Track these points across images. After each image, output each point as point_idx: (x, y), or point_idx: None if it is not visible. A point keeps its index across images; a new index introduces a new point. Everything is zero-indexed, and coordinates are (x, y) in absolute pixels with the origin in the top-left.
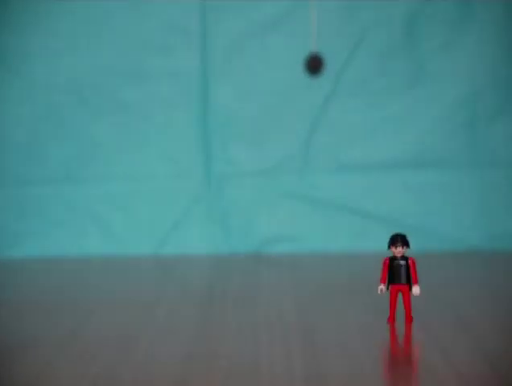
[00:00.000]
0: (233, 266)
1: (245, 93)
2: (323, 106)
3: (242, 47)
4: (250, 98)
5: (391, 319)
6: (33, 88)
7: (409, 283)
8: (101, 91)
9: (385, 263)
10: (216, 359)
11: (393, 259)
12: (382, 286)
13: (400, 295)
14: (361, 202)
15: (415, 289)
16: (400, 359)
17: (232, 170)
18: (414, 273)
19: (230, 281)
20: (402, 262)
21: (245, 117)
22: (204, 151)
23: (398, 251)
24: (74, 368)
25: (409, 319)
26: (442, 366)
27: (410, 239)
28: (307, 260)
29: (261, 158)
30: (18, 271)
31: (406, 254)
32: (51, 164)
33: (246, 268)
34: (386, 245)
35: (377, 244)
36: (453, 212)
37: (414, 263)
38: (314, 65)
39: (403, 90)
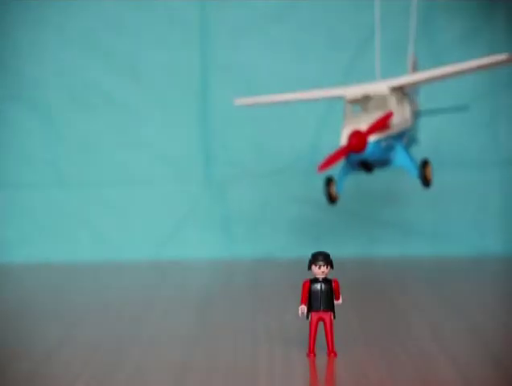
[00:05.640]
0: (234, 272)
1: (248, 90)
2: (330, 103)
3: (244, 41)
4: (253, 95)
5: (311, 353)
6: (20, 84)
7: (332, 310)
8: (94, 88)
9: (304, 285)
10: (213, 369)
11: (313, 281)
12: (303, 306)
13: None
14: (372, 205)
15: (338, 302)
16: None
17: (234, 172)
18: (338, 294)
19: (230, 288)
20: (325, 286)
21: (247, 116)
22: (204, 152)
23: (322, 271)
24: (63, 376)
25: (332, 353)
26: (453, 376)
27: (425, 243)
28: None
29: (265, 160)
30: (7, 277)
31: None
32: (39, 166)
33: (248, 274)
34: (309, 263)
35: (389, 250)
36: (472, 215)
37: (338, 285)
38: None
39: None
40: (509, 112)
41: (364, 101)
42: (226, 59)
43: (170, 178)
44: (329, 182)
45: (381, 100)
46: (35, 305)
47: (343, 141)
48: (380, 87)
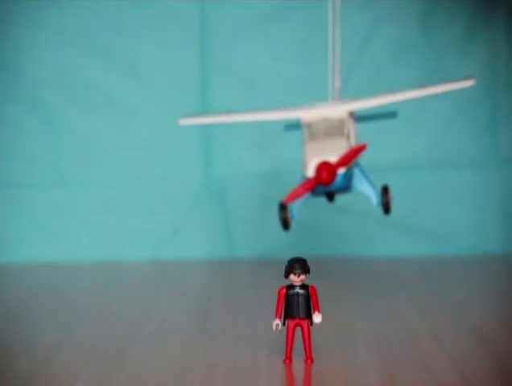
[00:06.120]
0: (234, 272)
1: (247, 90)
2: None
3: (244, 41)
4: (253, 95)
5: (288, 359)
6: (20, 84)
7: (309, 317)
8: (94, 87)
9: (280, 293)
10: (212, 372)
11: (290, 288)
12: (278, 321)
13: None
14: (372, 205)
15: (317, 317)
16: None
17: (234, 172)
18: (316, 301)
19: (230, 288)
20: (301, 291)
21: None
22: (204, 152)
23: (300, 279)
24: (63, 376)
25: (309, 359)
26: (453, 376)
27: (425, 243)
28: (314, 266)
29: (265, 159)
30: (6, 277)
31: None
32: (39, 165)
33: (248, 274)
34: (286, 272)
35: (389, 249)
36: (472, 215)
37: (315, 291)
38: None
39: (418, 86)
40: (509, 112)
41: (321, 124)
42: (226, 59)
43: (170, 178)
44: (283, 208)
45: (339, 123)
46: (34, 305)
47: (310, 172)
48: (339, 111)
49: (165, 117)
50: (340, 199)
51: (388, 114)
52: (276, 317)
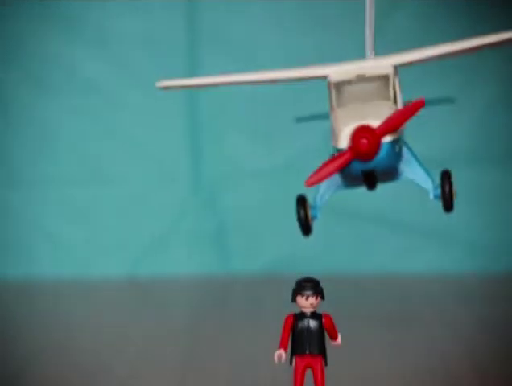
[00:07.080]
0: (229, 292)
1: (247, 65)
2: None
3: (242, 4)
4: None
5: None
6: None
7: (323, 354)
8: (54, 63)
9: (287, 321)
10: None
11: (299, 317)
12: (281, 351)
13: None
14: (397, 207)
15: (337, 341)
16: None
17: (228, 170)
18: (334, 330)
19: (226, 312)
20: (313, 322)
21: (245, 100)
22: (193, 146)
23: (310, 303)
24: None
25: None
26: None
27: (468, 257)
28: (327, 287)
29: (267, 154)
30: None
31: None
32: None
33: (247, 295)
34: (293, 294)
35: (421, 264)
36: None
37: (331, 320)
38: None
39: (437, 78)
40: None
41: (356, 85)
42: (220, 27)
43: (149, 177)
44: (302, 201)
45: (383, 81)
46: None
47: (343, 142)
48: (381, 64)
49: (142, 100)
50: (356, 200)
51: (444, 100)
52: (280, 347)
